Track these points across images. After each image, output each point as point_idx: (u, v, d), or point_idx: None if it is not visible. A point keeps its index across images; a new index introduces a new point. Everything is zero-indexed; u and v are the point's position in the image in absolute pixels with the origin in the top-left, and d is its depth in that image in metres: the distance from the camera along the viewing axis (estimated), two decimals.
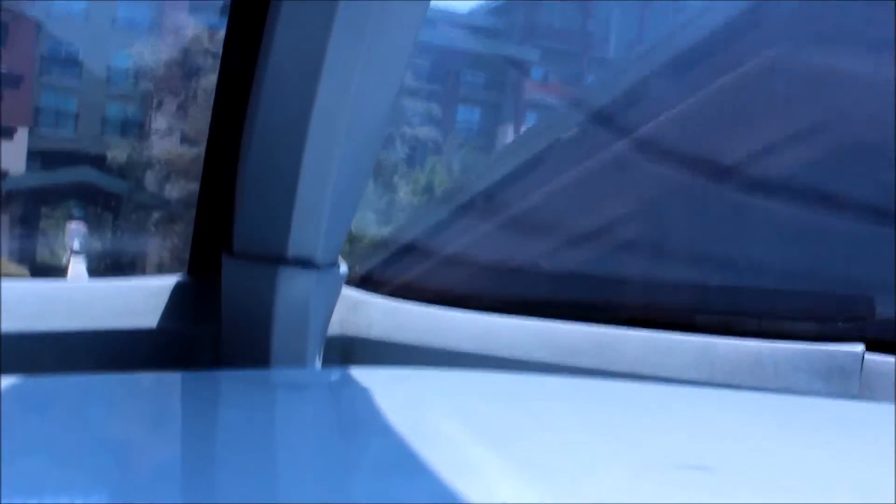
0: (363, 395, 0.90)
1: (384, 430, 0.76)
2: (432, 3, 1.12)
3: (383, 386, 0.97)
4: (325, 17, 0.97)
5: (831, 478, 0.74)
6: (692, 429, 0.89)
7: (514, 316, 1.39)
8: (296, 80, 1.03)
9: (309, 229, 1.10)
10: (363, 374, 1.10)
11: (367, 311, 1.39)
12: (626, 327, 1.36)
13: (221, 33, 1.20)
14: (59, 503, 0.47)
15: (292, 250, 1.10)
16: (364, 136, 1.11)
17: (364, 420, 0.81)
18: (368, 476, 0.64)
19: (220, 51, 1.21)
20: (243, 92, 1.10)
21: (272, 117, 1.06)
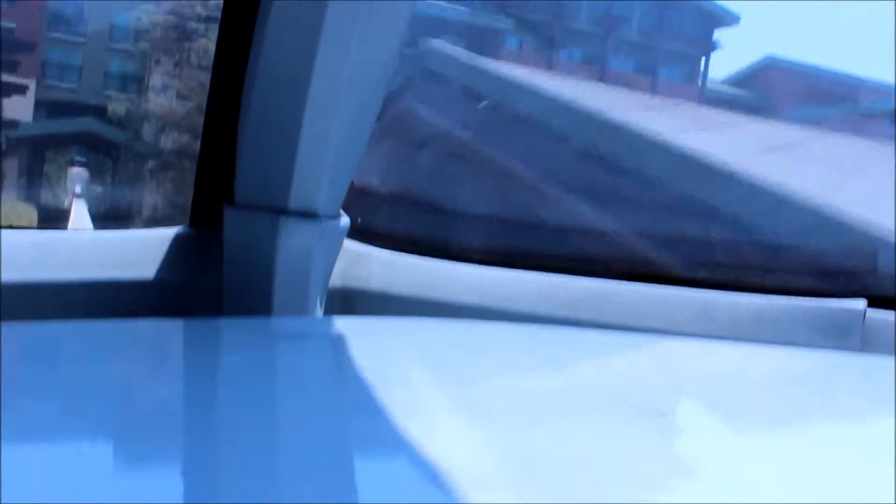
0: (364, 343, 0.91)
1: (383, 378, 0.77)
2: None
3: (383, 335, 0.97)
4: None
5: (830, 430, 0.75)
6: (674, 379, 0.89)
7: (513, 269, 1.39)
8: (297, 31, 1.02)
9: (311, 180, 1.10)
10: (364, 324, 1.10)
11: (367, 264, 1.39)
12: (627, 281, 1.36)
13: None
14: (61, 503, 0.47)
15: (294, 201, 1.10)
16: (366, 87, 1.11)
17: (364, 368, 0.81)
18: (367, 422, 0.64)
19: (220, 9, 1.20)
20: (245, 43, 1.10)
21: (274, 68, 1.05)
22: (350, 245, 1.37)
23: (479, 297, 1.35)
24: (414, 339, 0.98)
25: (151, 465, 0.55)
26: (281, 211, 1.11)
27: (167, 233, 1.22)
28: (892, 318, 1.28)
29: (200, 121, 1.25)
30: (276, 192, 1.10)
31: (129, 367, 0.77)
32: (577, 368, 0.90)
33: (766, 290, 1.33)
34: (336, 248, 1.25)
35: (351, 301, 1.37)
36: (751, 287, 1.34)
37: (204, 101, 1.27)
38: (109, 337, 0.84)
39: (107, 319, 1.07)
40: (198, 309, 1.20)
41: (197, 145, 1.28)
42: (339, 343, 0.93)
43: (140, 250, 1.18)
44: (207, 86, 1.27)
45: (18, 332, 0.78)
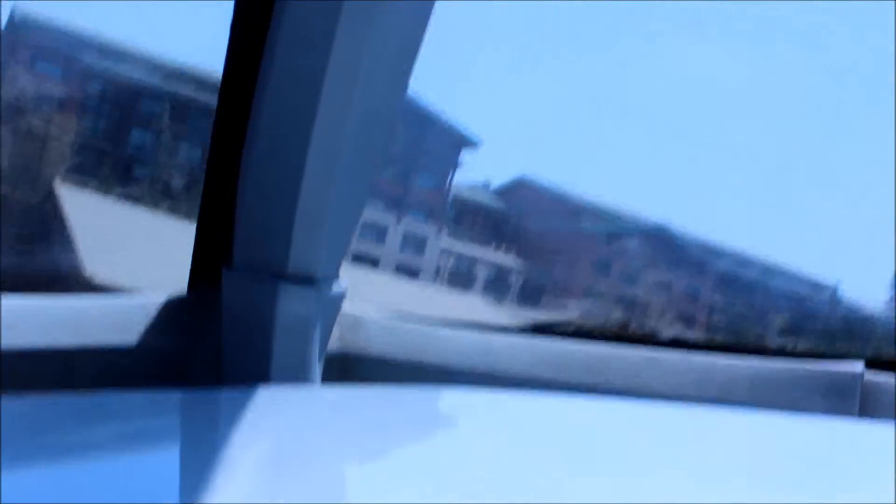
0: (362, 413, 0.90)
1: (384, 449, 0.76)
2: None
3: (382, 404, 0.97)
4: (328, 26, 0.97)
5: (829, 497, 0.74)
6: (671, 445, 0.89)
7: (512, 334, 1.39)
8: (298, 94, 1.03)
9: (310, 245, 1.10)
10: (362, 393, 1.10)
11: (366, 329, 1.39)
12: (623, 345, 1.36)
13: None
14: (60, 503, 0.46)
15: (293, 266, 1.10)
16: (365, 151, 1.11)
17: (363, 438, 0.81)
18: (367, 494, 0.64)
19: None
20: (245, 105, 1.10)
21: (274, 131, 1.06)
22: (348, 310, 1.37)
23: (478, 361, 1.35)
24: (412, 408, 0.97)
25: None
26: (280, 274, 1.11)
27: (164, 297, 1.22)
28: (891, 381, 1.27)
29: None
30: (275, 255, 1.10)
31: (129, 441, 0.76)
32: (576, 436, 0.90)
33: (763, 353, 1.32)
34: (335, 313, 1.25)
35: (349, 366, 1.36)
36: (747, 349, 1.34)
37: None
38: (108, 409, 0.83)
39: (105, 389, 1.06)
40: (196, 374, 1.19)
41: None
42: (339, 412, 0.92)
43: (138, 316, 1.18)
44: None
45: (12, 405, 0.78)
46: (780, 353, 1.33)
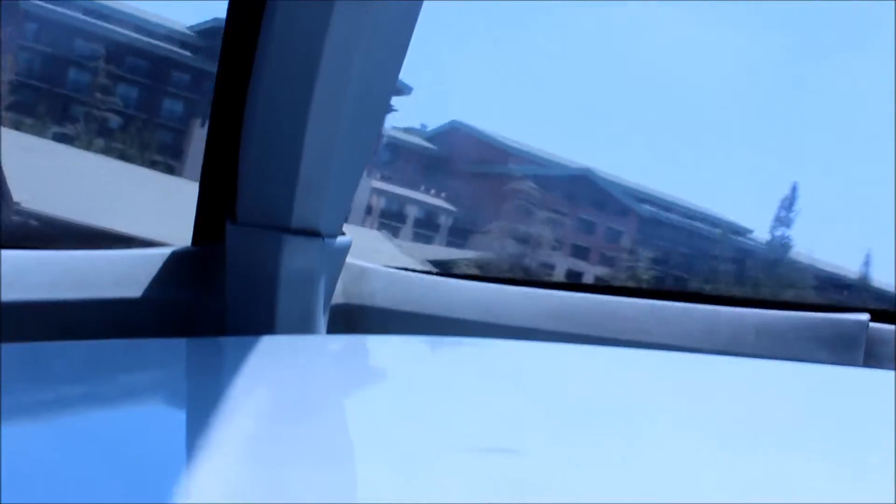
0: (368, 362, 0.91)
1: (387, 398, 0.77)
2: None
3: (386, 354, 0.97)
4: None
5: (832, 445, 0.75)
6: (675, 393, 0.89)
7: (516, 285, 1.39)
8: (300, 48, 1.02)
9: (313, 199, 1.10)
10: (368, 342, 1.10)
11: (370, 280, 1.39)
12: (629, 296, 1.36)
13: None
14: (59, 503, 0.47)
15: (297, 220, 1.10)
16: (369, 105, 1.11)
17: (369, 387, 0.81)
18: (371, 442, 0.64)
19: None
20: (247, 63, 1.10)
21: (276, 88, 1.06)
22: (352, 262, 1.37)
23: (481, 312, 1.35)
24: (415, 357, 0.98)
25: (153, 489, 0.55)
26: (284, 229, 1.11)
27: (170, 251, 1.22)
28: (894, 332, 1.28)
29: None
30: (279, 210, 1.10)
31: (133, 387, 0.77)
32: (580, 385, 0.90)
33: (768, 305, 1.32)
34: (339, 266, 1.25)
35: (354, 318, 1.37)
36: (753, 302, 1.34)
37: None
38: (113, 357, 0.84)
39: (109, 339, 1.06)
40: (201, 327, 1.20)
41: None
42: (343, 362, 0.93)
43: (143, 268, 1.18)
44: None
45: (19, 352, 0.78)
46: (785, 304, 1.33)
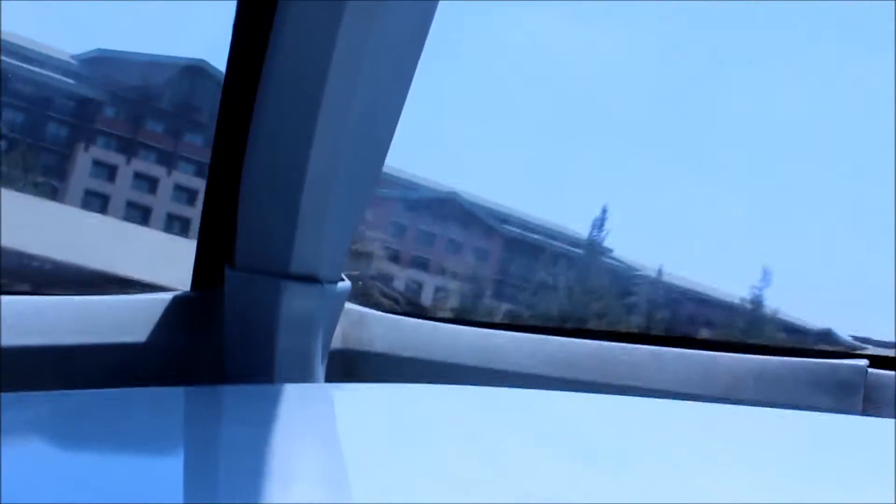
0: (366, 411, 0.90)
1: (387, 447, 0.77)
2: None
3: (386, 402, 0.97)
4: (331, 27, 0.97)
5: (831, 493, 0.74)
6: (674, 441, 0.89)
7: (515, 331, 1.39)
8: (299, 95, 1.03)
9: (312, 245, 1.10)
10: (366, 391, 1.10)
11: (369, 326, 1.39)
12: (627, 342, 1.35)
13: None
14: (59, 503, 0.47)
15: (296, 266, 1.10)
16: (367, 152, 1.12)
17: (367, 436, 0.81)
18: (371, 492, 0.64)
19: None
20: (247, 107, 1.11)
21: (275, 133, 1.06)
22: (351, 307, 1.37)
23: (481, 358, 1.35)
24: (415, 406, 0.97)
25: None
26: (283, 275, 1.11)
27: (170, 296, 1.23)
28: (894, 378, 1.27)
29: None
30: (278, 256, 1.10)
31: (132, 438, 0.77)
32: (580, 431, 0.90)
33: (767, 351, 1.32)
34: (338, 312, 1.25)
35: (353, 363, 1.37)
36: (752, 347, 1.34)
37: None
38: (111, 406, 0.83)
39: (109, 387, 1.06)
40: (200, 372, 1.19)
41: None
42: (342, 411, 0.92)
43: (142, 314, 1.18)
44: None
45: (17, 402, 0.78)
46: (784, 350, 1.33)
